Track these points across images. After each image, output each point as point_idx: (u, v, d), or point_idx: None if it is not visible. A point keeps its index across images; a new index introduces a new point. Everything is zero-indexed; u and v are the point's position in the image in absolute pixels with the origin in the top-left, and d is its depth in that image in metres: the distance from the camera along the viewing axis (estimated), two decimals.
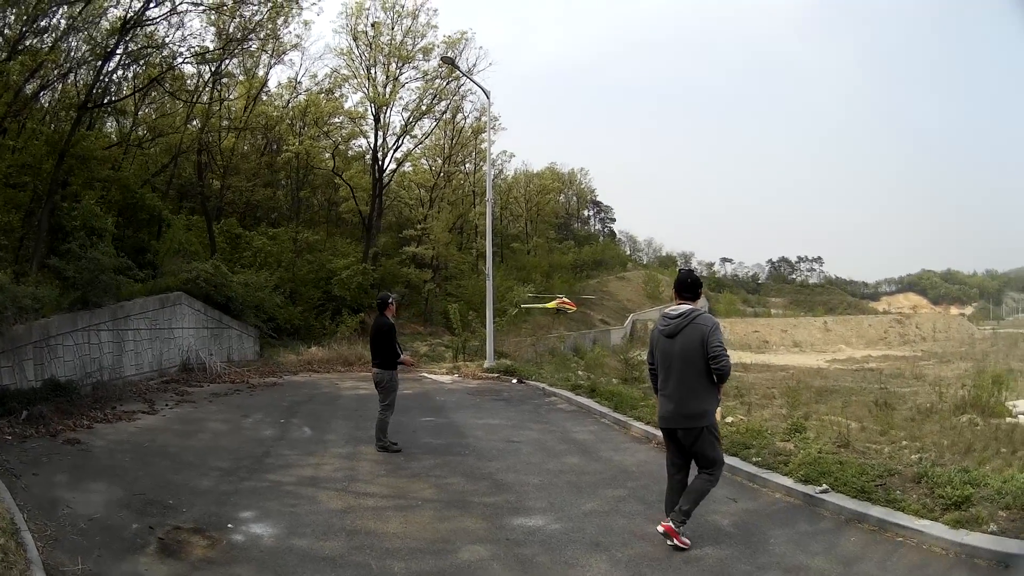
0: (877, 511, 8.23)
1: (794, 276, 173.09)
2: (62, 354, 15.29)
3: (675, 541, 7.84)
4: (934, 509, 7.95)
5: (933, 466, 9.23)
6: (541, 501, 9.79)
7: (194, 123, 36.15)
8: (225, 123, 38.93)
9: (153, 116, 36.08)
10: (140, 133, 34.75)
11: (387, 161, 47.73)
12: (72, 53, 24.23)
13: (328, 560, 7.49)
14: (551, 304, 24.52)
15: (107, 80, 26.31)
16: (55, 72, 23.72)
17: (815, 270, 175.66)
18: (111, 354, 17.41)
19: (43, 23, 22.21)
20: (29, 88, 22.81)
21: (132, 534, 7.84)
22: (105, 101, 26.84)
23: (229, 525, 8.38)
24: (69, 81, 25.54)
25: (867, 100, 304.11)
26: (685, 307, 7.91)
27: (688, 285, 8.00)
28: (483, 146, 37.21)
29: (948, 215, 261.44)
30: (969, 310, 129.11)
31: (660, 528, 7.96)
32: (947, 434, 12.10)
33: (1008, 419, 15.00)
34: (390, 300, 13.32)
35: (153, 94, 34.57)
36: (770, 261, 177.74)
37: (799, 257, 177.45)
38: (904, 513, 8.03)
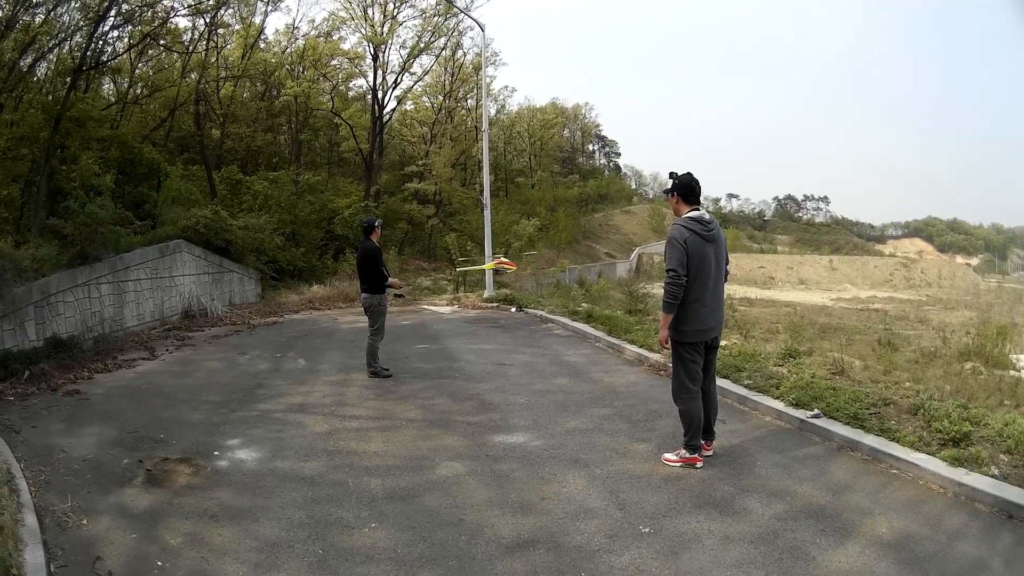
0: (870, 440, 8.07)
1: (800, 214, 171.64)
2: (63, 311, 15.41)
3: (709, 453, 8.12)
4: (931, 443, 7.74)
5: (930, 399, 8.97)
6: (525, 420, 9.95)
7: (191, 75, 35.69)
8: (223, 73, 38.48)
9: (150, 73, 35.76)
10: (137, 91, 34.58)
11: (387, 99, 47.32)
12: (66, 22, 24.06)
13: (307, 479, 7.70)
14: (490, 265, 24.24)
15: (101, 42, 26.09)
16: (49, 43, 23.54)
17: (821, 209, 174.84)
18: (112, 306, 17.53)
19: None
20: (24, 63, 22.70)
21: (122, 469, 8.03)
22: (100, 62, 26.64)
23: (215, 453, 8.61)
24: (64, 49, 25.29)
25: (880, 46, 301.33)
26: (706, 212, 7.83)
27: (699, 189, 7.88)
28: (483, 81, 36.86)
29: (956, 165, 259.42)
30: (975, 261, 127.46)
31: (709, 453, 8.07)
32: (950, 379, 11.85)
33: (1012, 372, 14.77)
34: (376, 224, 13.39)
35: (150, 52, 34.29)
36: (776, 199, 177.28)
37: (805, 196, 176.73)
38: (899, 444, 7.85)
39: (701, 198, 7.97)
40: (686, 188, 7.82)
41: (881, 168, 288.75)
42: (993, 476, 6.91)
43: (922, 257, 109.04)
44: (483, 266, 24.35)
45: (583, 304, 22.37)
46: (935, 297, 60.64)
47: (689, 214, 7.73)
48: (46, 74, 24.90)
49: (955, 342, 17.59)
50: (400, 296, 24.59)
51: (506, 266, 24.00)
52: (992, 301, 51.21)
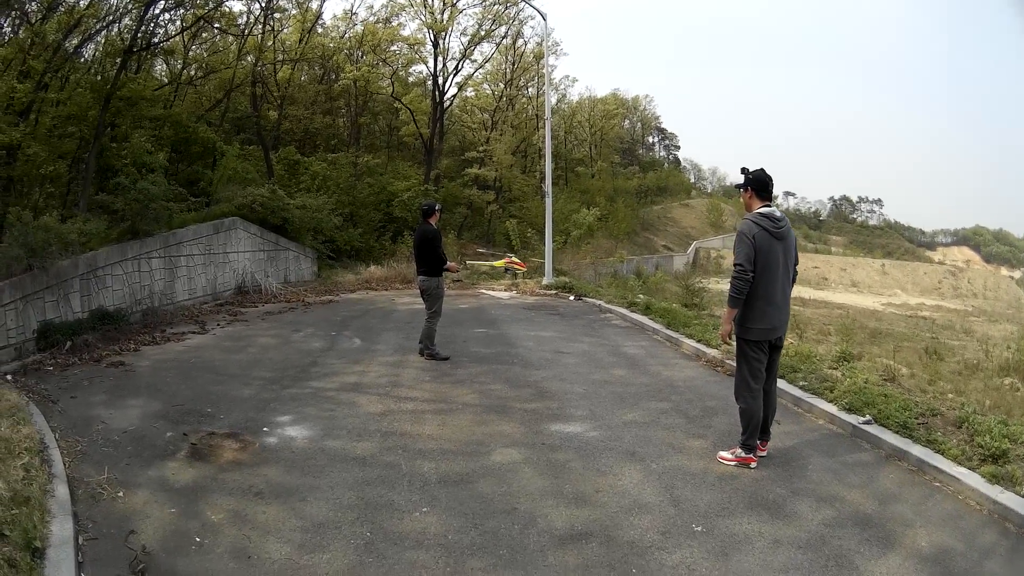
0: (917, 450, 7.95)
1: (855, 216, 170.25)
2: (111, 284, 15.27)
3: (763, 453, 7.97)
4: (972, 458, 7.64)
5: (975, 413, 8.86)
6: (582, 409, 9.77)
7: (247, 58, 35.66)
8: (280, 56, 38.33)
9: (204, 55, 35.57)
10: (191, 72, 34.59)
11: (447, 85, 47.43)
12: (114, 4, 23.87)
13: (358, 460, 7.59)
14: (499, 263, 24.09)
15: (152, 25, 25.81)
16: (96, 25, 23.38)
17: (875, 212, 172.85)
18: (163, 281, 17.42)
19: None
20: (70, 44, 22.61)
21: (165, 442, 7.91)
22: (151, 44, 26.38)
23: (264, 429, 8.49)
24: (114, 32, 25.10)
25: (934, 49, 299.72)
26: (776, 210, 7.64)
27: (772, 186, 7.67)
28: (544, 70, 36.78)
29: (1005, 173, 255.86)
30: (1017, 274, 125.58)
31: (763, 453, 7.92)
32: (990, 394, 11.94)
33: None
34: (436, 208, 13.12)
35: (204, 35, 34.19)
36: (832, 199, 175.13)
37: (860, 197, 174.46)
38: (944, 457, 7.73)
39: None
40: (760, 183, 7.62)
41: (934, 172, 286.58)
42: None
43: (969, 266, 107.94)
44: (494, 263, 24.09)
45: (640, 295, 22.14)
46: (980, 308, 60.07)
47: (760, 210, 7.55)
48: (94, 55, 24.74)
49: (996, 356, 17.33)
50: (458, 280, 24.42)
51: (516, 266, 23.77)
52: None
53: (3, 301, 11.70)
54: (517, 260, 25.22)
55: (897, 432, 8.43)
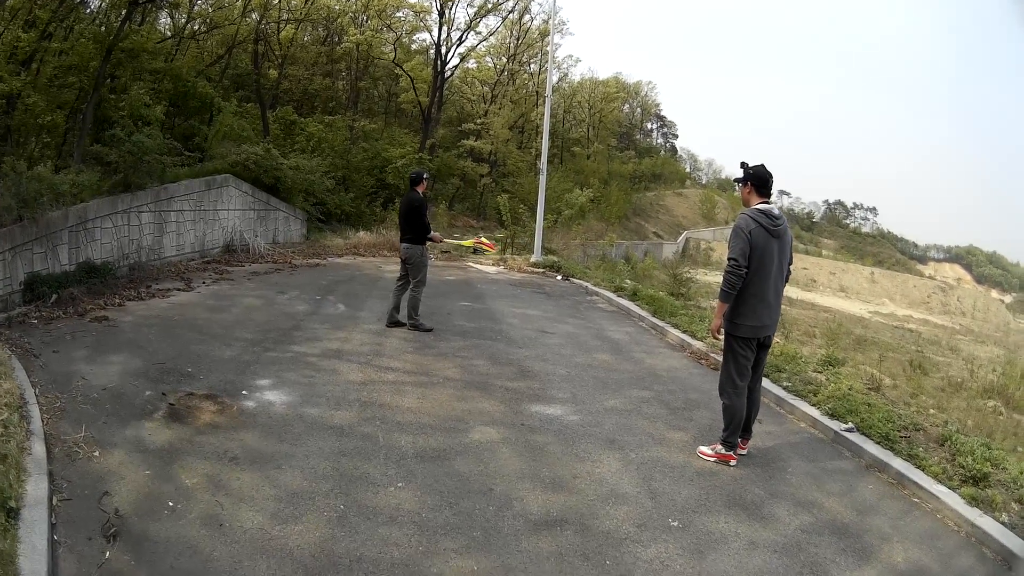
0: (898, 463, 7.93)
1: (848, 221, 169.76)
2: (99, 237, 15.14)
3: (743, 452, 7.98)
4: (953, 477, 7.62)
5: (957, 433, 8.88)
6: (564, 392, 9.78)
7: (252, 15, 35.31)
8: (285, 15, 37.85)
9: (209, 10, 35.07)
10: (195, 27, 34.06)
11: (450, 55, 47.21)
12: None
13: (335, 429, 7.58)
14: (468, 243, 23.95)
15: None
16: None
17: (868, 220, 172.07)
18: (151, 235, 17.28)
19: None
20: None
21: (143, 401, 7.87)
22: None
23: (243, 392, 8.47)
24: None
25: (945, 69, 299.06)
26: (775, 207, 7.60)
27: (771, 183, 7.62)
28: (548, 48, 36.65)
29: (1009, 191, 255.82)
30: (1008, 298, 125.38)
31: (743, 452, 7.93)
32: (972, 414, 12.11)
33: None
34: (424, 176, 13.10)
35: None
36: (826, 202, 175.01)
37: (855, 203, 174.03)
38: (925, 473, 7.69)
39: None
40: (760, 180, 7.57)
41: (935, 186, 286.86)
42: (1003, 523, 6.79)
43: (960, 284, 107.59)
44: (463, 242, 24.12)
45: (628, 281, 22.12)
46: (967, 327, 60.03)
47: (758, 206, 7.50)
48: (100, 6, 24.57)
49: (981, 377, 17.42)
50: (446, 252, 24.43)
51: (485, 247, 23.85)
52: (1020, 342, 50.55)
53: None
54: (487, 241, 25.23)
55: (879, 443, 8.41)
